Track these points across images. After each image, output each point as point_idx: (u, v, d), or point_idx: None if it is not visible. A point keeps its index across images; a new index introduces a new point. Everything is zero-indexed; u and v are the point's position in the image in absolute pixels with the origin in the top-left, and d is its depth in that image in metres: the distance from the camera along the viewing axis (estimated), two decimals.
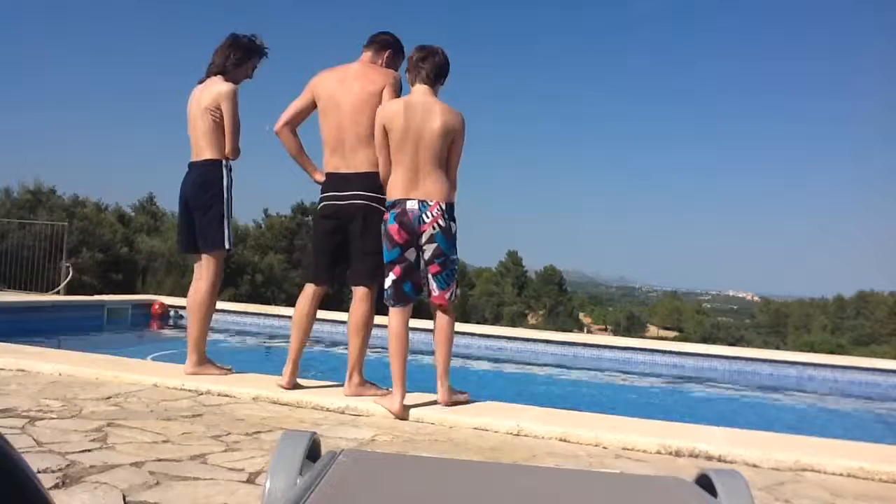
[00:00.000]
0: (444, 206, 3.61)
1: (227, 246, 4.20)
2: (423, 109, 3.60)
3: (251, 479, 2.45)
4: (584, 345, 8.20)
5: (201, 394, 3.90)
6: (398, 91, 3.83)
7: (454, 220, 3.67)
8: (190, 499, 2.21)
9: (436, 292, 3.69)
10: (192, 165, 4.23)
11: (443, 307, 3.74)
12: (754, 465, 3.20)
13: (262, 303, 14.38)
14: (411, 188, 3.59)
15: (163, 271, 16.95)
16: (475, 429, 3.53)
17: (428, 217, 3.58)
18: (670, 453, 3.30)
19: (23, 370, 4.22)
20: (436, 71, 3.69)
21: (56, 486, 2.22)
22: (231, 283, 18.38)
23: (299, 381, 4.04)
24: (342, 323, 8.87)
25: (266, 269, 20.82)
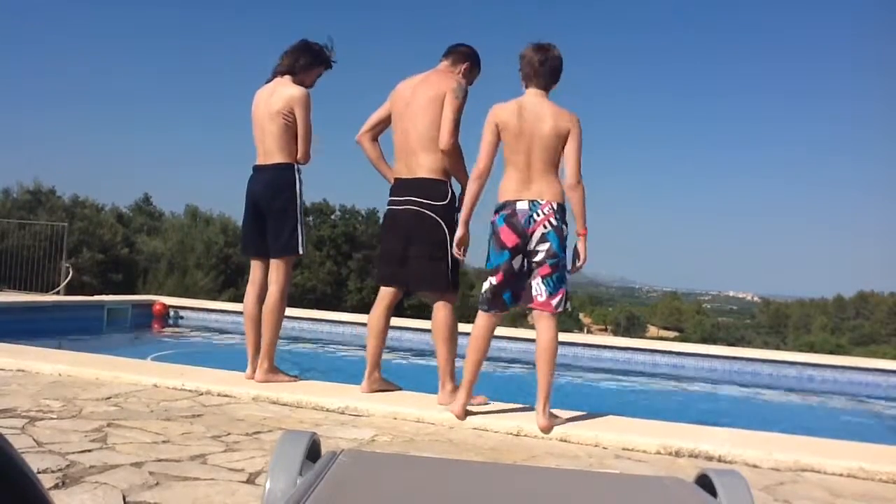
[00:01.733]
0: (555, 206, 3.47)
1: (300, 251, 4.15)
2: (535, 111, 3.49)
3: (251, 480, 2.45)
4: (584, 345, 8.18)
5: (201, 394, 3.89)
6: (461, 98, 3.77)
7: (566, 224, 3.51)
8: (190, 499, 2.21)
9: (542, 297, 3.46)
10: (261, 168, 4.15)
11: (548, 315, 3.49)
12: (754, 465, 3.20)
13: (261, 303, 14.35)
14: (523, 189, 3.48)
15: (164, 272, 16.96)
16: (475, 429, 3.53)
17: (539, 216, 3.44)
18: (670, 453, 3.30)
19: (23, 370, 4.22)
20: (552, 74, 3.60)
21: (56, 486, 2.22)
22: (232, 284, 18.40)
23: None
24: (341, 323, 8.90)
25: None
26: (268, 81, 4.22)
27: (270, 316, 4.12)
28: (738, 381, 7.58)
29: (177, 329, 8.88)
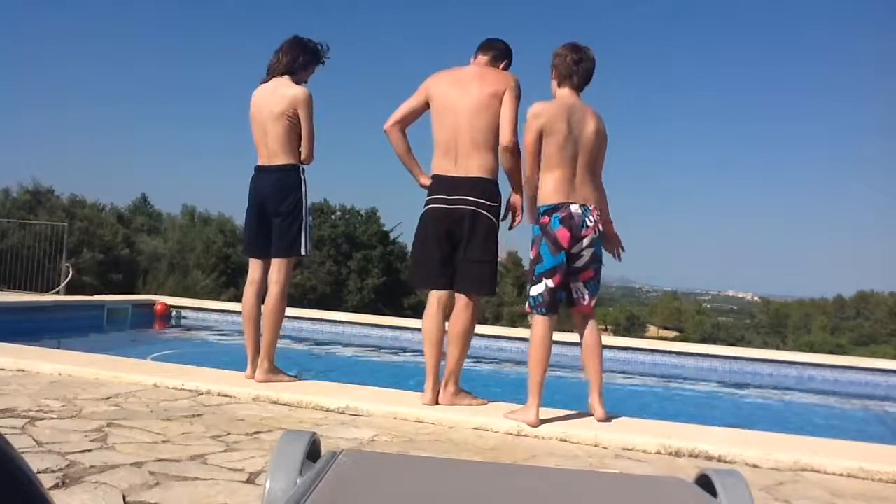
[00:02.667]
0: (600, 212, 3.56)
1: (304, 252, 4.12)
2: (580, 113, 3.52)
3: (251, 479, 2.45)
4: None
5: (201, 394, 3.89)
6: (519, 96, 3.73)
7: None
8: (190, 499, 2.21)
9: (585, 300, 3.59)
10: (264, 169, 4.12)
11: (590, 316, 3.65)
12: (754, 465, 3.20)
13: (262, 303, 14.35)
14: (570, 192, 3.49)
15: (164, 272, 16.95)
16: (475, 429, 3.53)
17: (591, 221, 3.49)
18: (670, 453, 3.30)
19: (23, 370, 4.22)
20: (587, 76, 3.61)
21: (56, 486, 2.22)
22: (232, 284, 18.39)
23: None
24: (341, 323, 8.90)
25: None
26: (264, 81, 4.18)
27: (271, 316, 4.11)
28: (739, 381, 7.58)
29: (177, 329, 8.89)
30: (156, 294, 11.13)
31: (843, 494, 2.86)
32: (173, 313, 9.20)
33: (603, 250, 3.66)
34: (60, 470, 2.38)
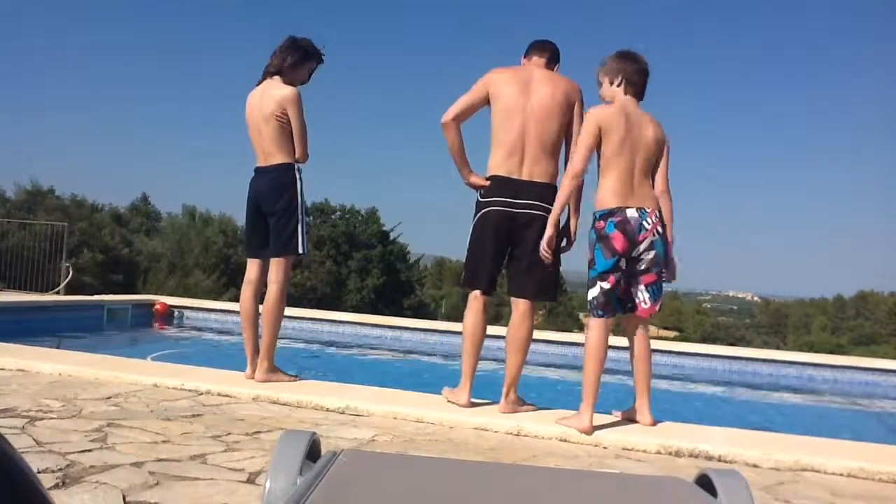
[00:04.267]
0: (659, 214, 3.53)
1: (300, 251, 4.12)
2: (638, 118, 3.55)
3: (251, 479, 2.45)
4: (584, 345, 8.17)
5: (201, 394, 3.89)
6: (584, 108, 3.71)
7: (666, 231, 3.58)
8: (190, 499, 2.21)
9: (647, 304, 3.55)
10: (261, 170, 4.13)
11: (645, 321, 3.63)
12: (754, 465, 3.20)
13: (262, 303, 14.35)
14: (628, 196, 3.48)
15: (164, 272, 16.96)
16: (475, 429, 3.53)
17: (648, 224, 3.47)
18: (670, 453, 3.30)
19: (23, 370, 4.22)
20: (644, 87, 3.65)
21: (56, 486, 2.22)
22: (233, 284, 18.39)
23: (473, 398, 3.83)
24: (341, 323, 8.90)
25: None
26: (258, 83, 4.21)
27: (270, 315, 4.11)
28: (738, 381, 7.58)
29: (177, 329, 8.89)
30: (156, 294, 11.13)
31: (843, 494, 2.86)
32: (175, 313, 9.20)
33: (666, 256, 3.59)
34: (60, 470, 2.38)
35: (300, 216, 4.10)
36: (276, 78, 4.15)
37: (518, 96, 3.69)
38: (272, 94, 4.07)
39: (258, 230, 4.20)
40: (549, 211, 3.65)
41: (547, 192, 3.69)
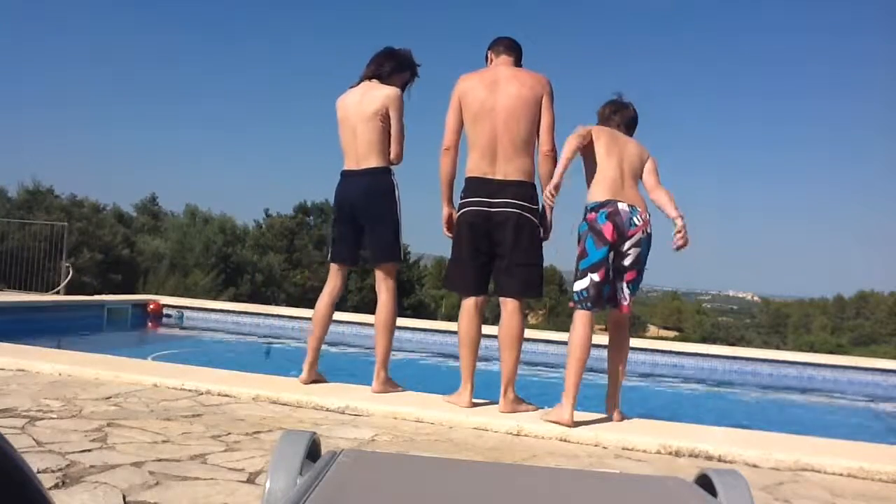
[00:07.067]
0: (649, 217, 3.62)
1: (401, 257, 4.10)
2: (624, 138, 3.77)
3: (251, 479, 2.45)
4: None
5: (201, 394, 3.90)
6: (553, 99, 3.76)
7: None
8: (190, 499, 2.21)
9: (626, 301, 3.64)
10: (354, 174, 4.05)
11: (624, 318, 3.74)
12: (754, 465, 3.20)
13: (262, 303, 14.39)
14: (618, 193, 3.57)
15: (164, 272, 16.94)
16: (475, 429, 3.53)
17: (639, 221, 3.54)
18: (670, 453, 3.30)
19: (23, 370, 4.22)
20: (634, 128, 3.90)
21: (56, 486, 2.22)
22: (232, 283, 18.40)
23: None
24: (341, 323, 8.89)
25: (266, 269, 20.80)
26: (353, 86, 4.15)
27: (387, 325, 4.04)
28: (738, 380, 7.59)
29: (177, 328, 8.89)
30: (156, 294, 11.13)
31: (843, 494, 2.86)
32: (173, 313, 9.20)
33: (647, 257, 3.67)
34: (60, 470, 2.38)
35: (400, 222, 4.04)
36: (374, 81, 4.11)
37: (486, 99, 3.73)
38: (375, 93, 4.03)
39: (348, 236, 4.13)
40: (526, 209, 3.70)
41: (524, 189, 3.72)
